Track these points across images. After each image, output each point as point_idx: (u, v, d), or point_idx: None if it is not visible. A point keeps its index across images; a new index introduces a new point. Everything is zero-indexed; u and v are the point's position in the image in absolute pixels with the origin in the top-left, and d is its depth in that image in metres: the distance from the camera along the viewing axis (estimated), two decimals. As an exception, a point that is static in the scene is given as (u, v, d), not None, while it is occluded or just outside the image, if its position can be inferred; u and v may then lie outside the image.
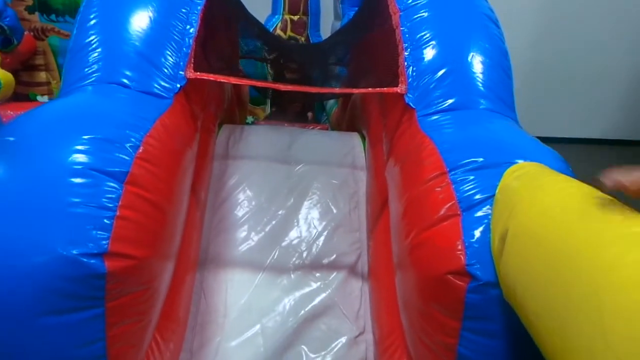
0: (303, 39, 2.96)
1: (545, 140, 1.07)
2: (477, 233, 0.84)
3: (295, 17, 2.93)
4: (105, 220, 0.79)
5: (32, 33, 2.94)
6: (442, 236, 0.87)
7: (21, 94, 2.96)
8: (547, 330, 0.66)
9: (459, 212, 0.88)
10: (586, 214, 0.70)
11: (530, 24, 3.65)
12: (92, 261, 0.76)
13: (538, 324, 0.68)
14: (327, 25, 3.11)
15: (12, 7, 2.81)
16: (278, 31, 2.93)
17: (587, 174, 0.95)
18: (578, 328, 0.58)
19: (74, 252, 0.75)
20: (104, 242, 0.78)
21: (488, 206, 0.86)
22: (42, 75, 3.09)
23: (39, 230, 0.76)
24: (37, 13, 2.93)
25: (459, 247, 0.84)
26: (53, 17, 2.95)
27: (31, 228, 0.76)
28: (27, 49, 2.92)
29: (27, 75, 3.04)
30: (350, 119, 1.98)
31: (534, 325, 0.70)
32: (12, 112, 2.42)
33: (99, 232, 0.78)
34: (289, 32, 2.93)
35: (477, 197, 0.88)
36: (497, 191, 0.87)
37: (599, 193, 0.75)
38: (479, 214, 0.86)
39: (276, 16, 2.94)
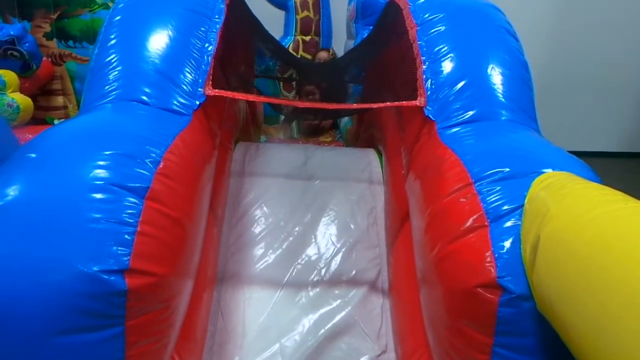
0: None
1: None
2: (507, 244, 0.81)
3: (307, 38, 2.97)
4: (126, 236, 0.78)
5: (50, 59, 3.01)
6: (470, 248, 0.84)
7: (38, 118, 3.01)
8: (586, 343, 0.62)
9: (486, 223, 0.85)
10: (622, 220, 0.68)
11: (546, 38, 3.67)
12: (112, 278, 0.75)
13: (576, 336, 0.65)
14: (338, 46, 3.15)
15: (31, 34, 2.89)
16: (290, 51, 2.97)
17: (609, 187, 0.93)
18: (620, 339, 0.56)
19: (95, 268, 0.74)
20: (125, 258, 0.76)
21: (517, 217, 0.84)
22: (59, 100, 3.15)
23: (58, 246, 0.75)
24: (55, 39, 3.01)
25: (489, 258, 0.81)
26: (71, 43, 3.03)
27: (51, 244, 0.75)
28: (46, 74, 2.98)
29: (44, 99, 3.10)
30: (366, 135, 1.97)
31: (572, 338, 0.66)
32: (30, 136, 2.45)
33: (119, 248, 0.77)
34: (301, 52, 2.97)
35: (505, 207, 0.85)
36: (525, 201, 0.85)
37: (635, 200, 0.72)
38: (508, 224, 0.84)
39: (288, 37, 2.99)
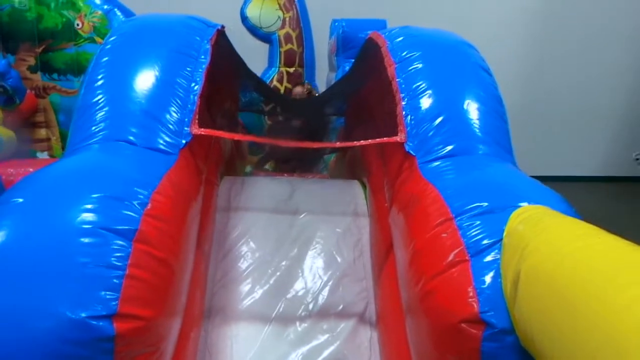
0: (299, 89, 3.05)
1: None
2: (488, 279, 0.84)
3: (291, 70, 3.03)
4: (115, 280, 0.78)
5: (33, 91, 3.01)
6: (452, 283, 0.87)
7: (21, 151, 2.98)
8: (568, 377, 0.64)
9: (467, 258, 0.88)
10: (595, 255, 0.71)
11: (520, 66, 3.80)
12: (100, 323, 0.75)
13: (559, 371, 0.67)
14: (321, 77, 3.22)
15: (15, 67, 2.89)
16: (274, 83, 3.02)
17: (582, 212, 0.97)
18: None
19: (83, 314, 0.74)
20: (113, 303, 0.76)
21: (496, 251, 0.87)
22: (42, 132, 3.14)
23: (46, 292, 0.75)
24: (39, 72, 3.02)
25: (471, 294, 0.83)
26: (55, 75, 3.04)
27: (39, 291, 0.75)
28: (29, 107, 2.98)
29: (27, 132, 3.08)
30: (350, 167, 2.01)
31: (555, 373, 0.68)
32: (12, 170, 2.43)
33: (108, 293, 0.77)
34: (285, 84, 3.03)
35: (485, 242, 0.88)
36: (504, 235, 0.88)
37: (607, 234, 0.76)
38: (488, 258, 0.86)
39: (272, 69, 3.05)
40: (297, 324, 1.30)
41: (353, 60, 2.26)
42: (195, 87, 1.26)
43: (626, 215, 3.47)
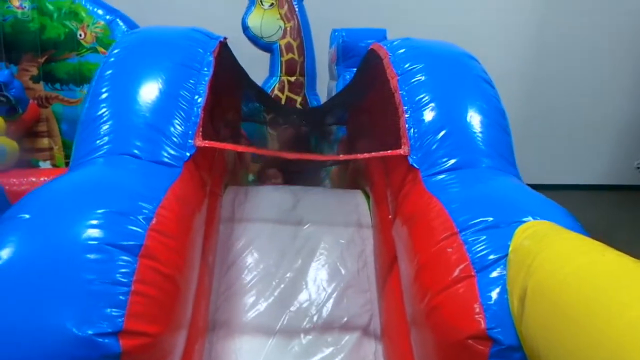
0: (300, 98, 3.06)
1: (537, 187, 1.10)
2: (494, 294, 0.84)
3: (292, 79, 3.04)
4: (120, 297, 0.78)
5: (36, 101, 3.02)
6: (458, 299, 0.87)
7: (23, 161, 2.99)
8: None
9: (473, 274, 0.88)
10: (601, 272, 0.71)
11: (523, 73, 3.81)
12: (106, 341, 0.75)
13: (566, 389, 0.67)
14: (322, 86, 3.23)
15: (18, 77, 2.91)
16: (276, 92, 3.03)
17: (584, 220, 0.98)
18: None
19: (89, 332, 0.74)
20: (119, 319, 0.76)
21: (502, 266, 0.87)
22: (45, 142, 3.15)
23: (52, 309, 0.75)
24: (41, 82, 3.03)
25: (477, 310, 0.83)
26: (58, 85, 3.05)
27: (45, 308, 0.75)
28: (32, 117, 2.99)
29: (29, 141, 3.08)
30: (352, 177, 2.01)
31: (562, 391, 0.68)
32: (15, 180, 2.43)
33: (113, 310, 0.77)
34: (286, 93, 3.03)
35: (491, 257, 0.88)
36: (509, 251, 0.88)
37: (612, 250, 0.76)
38: (494, 274, 0.86)
39: (274, 78, 3.05)
40: (302, 336, 1.30)
41: (353, 69, 2.27)
42: (199, 100, 1.27)
43: (628, 224, 3.47)
